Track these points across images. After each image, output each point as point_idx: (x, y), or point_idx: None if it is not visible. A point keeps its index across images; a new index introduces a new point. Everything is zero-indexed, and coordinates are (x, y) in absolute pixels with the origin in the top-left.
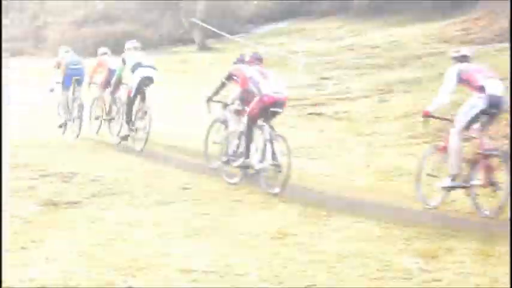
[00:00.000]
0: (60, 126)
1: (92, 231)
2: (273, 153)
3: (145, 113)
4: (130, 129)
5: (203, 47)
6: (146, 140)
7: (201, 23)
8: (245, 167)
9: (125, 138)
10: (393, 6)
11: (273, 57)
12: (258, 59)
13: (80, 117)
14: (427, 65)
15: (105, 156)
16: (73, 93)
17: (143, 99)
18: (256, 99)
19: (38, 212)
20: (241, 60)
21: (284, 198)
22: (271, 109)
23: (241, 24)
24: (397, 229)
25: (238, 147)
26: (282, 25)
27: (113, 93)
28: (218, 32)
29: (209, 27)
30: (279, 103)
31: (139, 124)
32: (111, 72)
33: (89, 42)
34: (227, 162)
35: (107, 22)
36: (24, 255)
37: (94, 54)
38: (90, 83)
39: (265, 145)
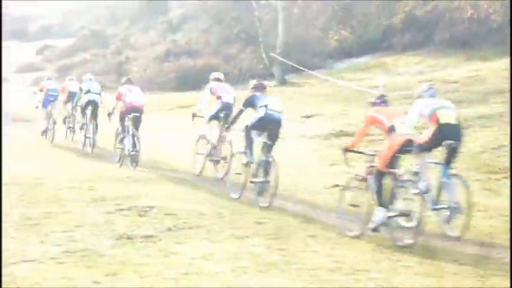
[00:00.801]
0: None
1: (165, 266)
2: None
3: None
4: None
5: (282, 82)
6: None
7: (280, 58)
8: None
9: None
10: (476, 40)
11: (352, 92)
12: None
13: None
14: (508, 100)
15: (179, 189)
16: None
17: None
18: None
19: (113, 246)
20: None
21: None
22: None
23: (321, 59)
24: None
25: None
26: (362, 60)
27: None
28: (298, 67)
29: (289, 62)
30: None
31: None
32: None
33: (171, 76)
34: None
35: (189, 56)
36: None
37: (176, 89)
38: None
39: None
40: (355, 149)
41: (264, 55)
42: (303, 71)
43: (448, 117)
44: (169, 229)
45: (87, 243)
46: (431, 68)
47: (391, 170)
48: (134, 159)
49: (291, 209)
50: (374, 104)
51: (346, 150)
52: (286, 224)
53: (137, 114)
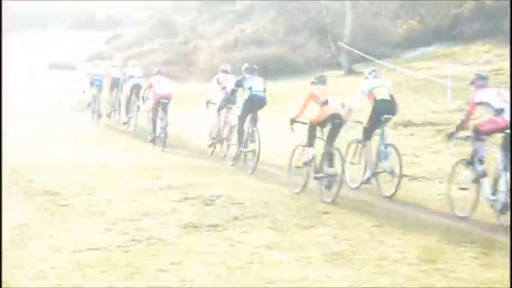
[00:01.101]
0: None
1: (230, 255)
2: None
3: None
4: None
5: (350, 71)
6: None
7: (348, 47)
8: None
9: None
10: None
11: (420, 82)
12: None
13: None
14: None
15: (242, 178)
16: None
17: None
18: None
19: (179, 234)
20: None
21: (427, 225)
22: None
23: (388, 48)
24: None
25: None
26: (430, 49)
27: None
28: (365, 56)
29: (356, 51)
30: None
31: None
32: None
33: (238, 66)
34: None
35: (256, 46)
36: (163, 278)
37: None
38: None
39: None
40: (299, 120)
41: (331, 44)
42: (371, 60)
43: (382, 94)
44: (236, 218)
45: (153, 231)
46: (499, 57)
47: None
48: (163, 141)
49: (355, 198)
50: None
51: (293, 121)
52: (351, 214)
53: (166, 101)
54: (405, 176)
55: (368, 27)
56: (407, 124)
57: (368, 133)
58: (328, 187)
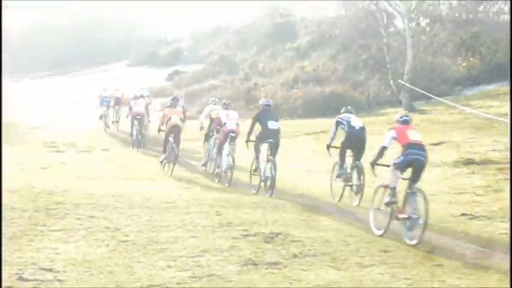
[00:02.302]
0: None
1: None
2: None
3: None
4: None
5: (410, 109)
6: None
7: (408, 85)
8: None
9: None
10: None
11: (480, 120)
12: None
13: None
14: None
15: (304, 216)
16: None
17: None
18: None
19: (238, 271)
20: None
21: (484, 264)
22: None
23: (449, 85)
24: None
25: None
26: (490, 87)
27: None
28: (425, 93)
29: (416, 89)
30: None
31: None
32: None
33: (298, 103)
34: None
35: (316, 83)
36: None
37: (302, 115)
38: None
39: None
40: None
41: (391, 82)
42: (431, 97)
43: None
44: (295, 256)
45: (213, 268)
46: None
47: None
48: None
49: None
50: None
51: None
52: (412, 253)
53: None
54: (465, 214)
55: (428, 64)
56: (468, 163)
57: None
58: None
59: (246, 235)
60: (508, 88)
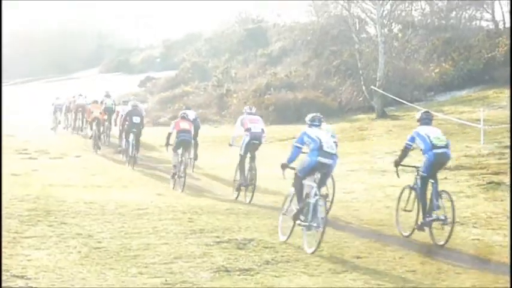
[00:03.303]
0: None
1: None
2: None
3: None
4: None
5: (382, 115)
6: None
7: (380, 91)
8: None
9: None
10: None
11: (453, 125)
12: None
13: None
14: None
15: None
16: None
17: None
18: None
19: (211, 278)
20: None
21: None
22: None
23: (421, 91)
24: None
25: None
26: (463, 93)
27: None
28: (398, 99)
29: (389, 95)
30: None
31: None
32: None
33: (271, 109)
34: None
35: (289, 89)
36: None
37: (275, 121)
38: None
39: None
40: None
41: (364, 88)
42: (403, 103)
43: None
44: (267, 262)
45: (186, 275)
46: None
47: None
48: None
49: (389, 243)
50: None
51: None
52: (384, 259)
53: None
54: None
55: (401, 70)
56: None
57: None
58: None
59: (219, 242)
60: (479, 94)
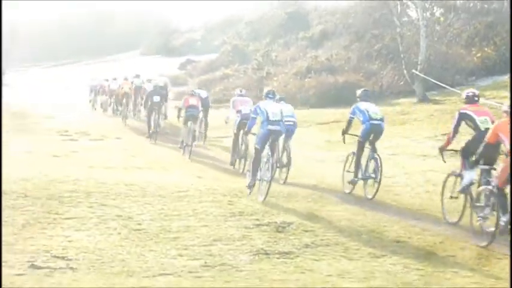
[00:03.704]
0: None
1: (301, 282)
2: None
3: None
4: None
5: (424, 99)
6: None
7: (422, 75)
8: None
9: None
10: None
11: (495, 111)
12: None
13: None
14: None
15: (319, 205)
16: None
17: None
18: None
19: (250, 261)
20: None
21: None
22: None
23: (463, 76)
24: None
25: None
26: (504, 77)
27: None
28: (439, 83)
29: (430, 79)
30: None
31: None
32: None
33: (311, 93)
34: None
35: (329, 73)
36: None
37: (315, 105)
38: None
39: None
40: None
41: (405, 72)
42: (445, 88)
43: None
44: (307, 246)
45: (225, 257)
46: None
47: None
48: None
49: (428, 228)
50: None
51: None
52: (424, 244)
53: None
54: None
55: (442, 55)
56: None
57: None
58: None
59: (258, 225)
60: None
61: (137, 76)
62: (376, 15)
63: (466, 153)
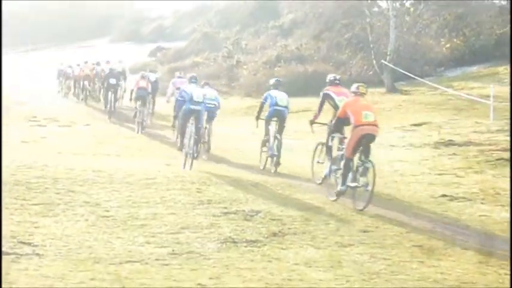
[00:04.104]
0: None
1: (268, 271)
2: None
3: None
4: None
5: (392, 89)
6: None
7: (391, 65)
8: None
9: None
10: None
11: (463, 101)
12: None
13: None
14: None
15: (287, 193)
16: None
17: None
18: None
19: (218, 249)
20: None
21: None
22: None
23: (431, 67)
24: None
25: None
26: (473, 69)
27: None
28: (408, 74)
29: (399, 69)
30: None
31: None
32: None
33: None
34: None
35: (299, 62)
36: None
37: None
38: None
39: None
40: None
41: (374, 62)
42: (413, 78)
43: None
44: (274, 234)
45: (193, 245)
46: None
47: None
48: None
49: (396, 217)
50: None
51: None
52: (391, 233)
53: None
54: (445, 196)
55: (411, 45)
56: (449, 144)
57: None
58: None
59: (226, 213)
60: (490, 70)
61: (98, 64)
62: (346, 5)
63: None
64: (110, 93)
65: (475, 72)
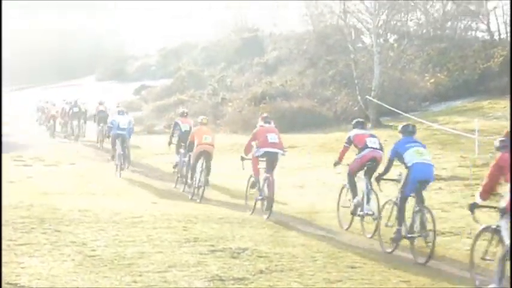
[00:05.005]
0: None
1: None
2: None
3: None
4: None
5: (377, 124)
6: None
7: (376, 101)
8: None
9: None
10: None
11: (448, 136)
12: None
13: None
14: None
15: (272, 231)
16: None
17: None
18: None
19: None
20: None
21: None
22: None
23: (416, 101)
24: None
25: None
26: (457, 103)
27: None
28: (393, 109)
29: (384, 104)
30: None
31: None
32: None
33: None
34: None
35: (284, 98)
36: None
37: None
38: None
39: None
40: None
41: (359, 97)
42: (398, 113)
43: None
44: (261, 271)
45: (180, 284)
46: None
47: None
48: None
49: (382, 256)
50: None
51: None
52: (379, 269)
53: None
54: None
55: (396, 80)
56: (435, 178)
57: None
58: None
59: (213, 250)
60: (475, 104)
61: (68, 103)
62: (330, 42)
63: None
64: (73, 122)
65: (459, 107)
